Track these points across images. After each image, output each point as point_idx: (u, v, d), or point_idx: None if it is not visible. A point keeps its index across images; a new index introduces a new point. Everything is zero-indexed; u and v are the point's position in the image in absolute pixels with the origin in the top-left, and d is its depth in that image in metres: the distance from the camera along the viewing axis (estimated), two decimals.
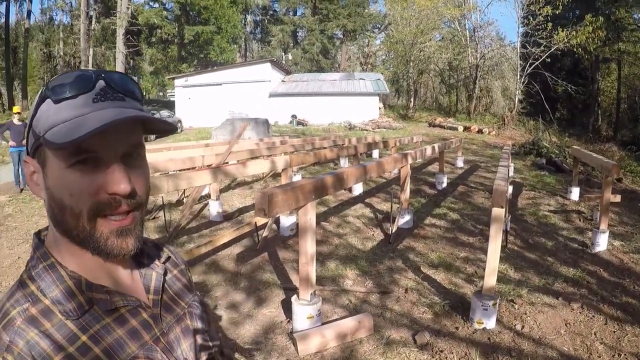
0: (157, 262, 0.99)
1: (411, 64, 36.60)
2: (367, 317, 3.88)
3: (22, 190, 10.37)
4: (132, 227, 0.81)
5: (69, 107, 0.75)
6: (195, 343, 0.96)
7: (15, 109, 11.53)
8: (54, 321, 0.75)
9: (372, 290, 4.70)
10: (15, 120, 10.85)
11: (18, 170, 10.67)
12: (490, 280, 3.91)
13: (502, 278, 4.85)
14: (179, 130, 27.14)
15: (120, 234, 0.80)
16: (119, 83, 0.80)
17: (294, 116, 29.61)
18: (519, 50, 31.63)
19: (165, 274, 0.99)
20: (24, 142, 0.86)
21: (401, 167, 6.66)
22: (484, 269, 4.16)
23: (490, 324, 3.90)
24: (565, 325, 4.01)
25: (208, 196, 7.93)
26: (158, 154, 8.52)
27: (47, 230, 0.88)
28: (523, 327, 3.96)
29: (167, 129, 0.85)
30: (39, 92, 0.79)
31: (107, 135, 0.74)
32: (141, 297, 0.89)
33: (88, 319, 0.78)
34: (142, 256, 0.96)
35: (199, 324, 1.00)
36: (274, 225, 6.55)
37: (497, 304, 3.96)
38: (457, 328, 3.95)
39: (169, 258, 1.06)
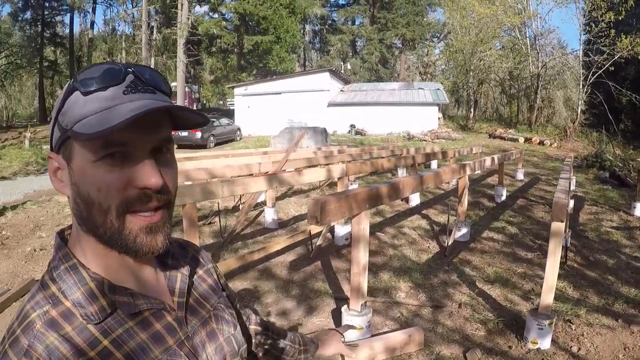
0: (182, 262, 0.97)
1: (471, 73, 35.96)
2: (417, 331, 3.78)
3: None
4: (161, 224, 0.79)
5: (99, 99, 0.72)
6: (222, 347, 0.94)
7: None
8: (75, 324, 0.74)
9: (425, 304, 4.58)
10: None
11: None
12: (547, 298, 3.74)
13: (559, 296, 4.63)
14: (238, 139, 27.55)
15: (150, 231, 0.78)
16: (149, 77, 0.78)
17: (352, 126, 29.56)
18: (581, 59, 30.55)
19: (191, 275, 0.97)
20: None
21: (459, 178, 6.52)
22: (541, 286, 3.96)
23: (545, 344, 3.71)
24: (624, 349, 3.76)
25: (264, 203, 7.97)
26: (216, 160, 8.62)
27: (70, 230, 0.86)
28: (579, 349, 3.74)
29: (198, 123, 0.82)
30: (66, 85, 0.77)
31: (137, 128, 0.72)
32: (166, 300, 0.87)
33: (110, 322, 0.76)
34: (167, 257, 0.95)
35: (224, 327, 0.97)
36: (329, 234, 6.51)
37: (554, 324, 3.77)
38: (510, 347, 3.78)
39: (194, 258, 1.05)
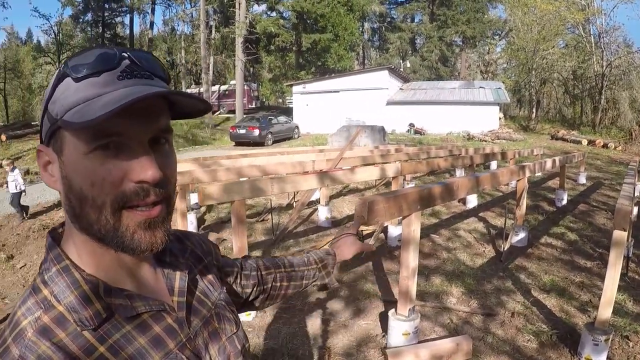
0: (180, 259, 0.92)
1: (533, 72, 34.80)
2: (466, 339, 3.64)
3: None
4: (160, 219, 0.74)
5: (91, 85, 0.67)
6: (225, 347, 0.90)
7: None
8: (69, 330, 0.68)
9: (476, 311, 4.43)
10: None
11: None
12: (604, 312, 3.52)
13: (618, 310, 4.37)
14: (295, 137, 27.73)
15: (148, 226, 0.73)
16: (145, 62, 0.73)
17: (411, 124, 29.25)
18: None
19: (190, 272, 0.91)
20: None
21: (518, 180, 6.29)
22: (599, 298, 3.75)
23: None
24: None
25: (318, 201, 7.93)
26: (270, 157, 8.66)
27: (63, 227, 0.81)
28: None
29: (199, 110, 0.76)
30: (56, 72, 0.72)
31: (132, 116, 0.67)
32: (165, 300, 0.82)
33: (107, 327, 0.71)
34: (165, 254, 0.89)
35: (226, 326, 0.92)
36: (382, 235, 6.42)
37: (610, 340, 3.55)
38: None
39: (193, 253, 0.98)
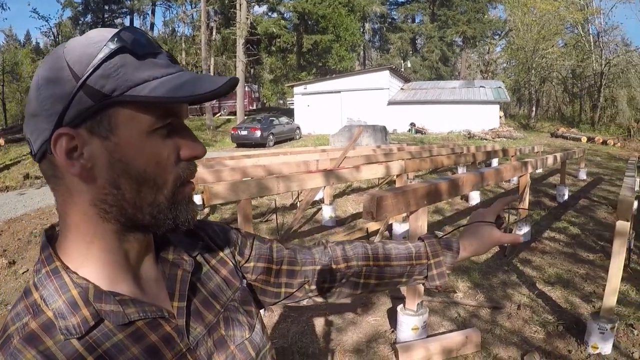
0: (185, 256, 0.83)
1: (533, 71, 34.96)
2: (475, 332, 3.67)
3: None
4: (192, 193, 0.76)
5: (155, 65, 0.67)
6: (234, 355, 0.81)
7: None
8: (57, 338, 0.64)
9: (483, 305, 4.45)
10: None
11: None
12: (609, 301, 3.55)
13: (622, 300, 4.40)
14: (297, 137, 27.74)
15: (190, 200, 0.75)
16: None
17: (412, 124, 29.26)
18: None
19: (197, 269, 0.84)
20: None
21: (520, 176, 6.31)
22: (603, 289, 3.79)
23: (606, 349, 3.54)
24: None
25: (322, 201, 7.95)
26: (273, 157, 8.67)
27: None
28: None
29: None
30: (99, 44, 0.65)
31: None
32: (164, 305, 0.75)
33: (96, 335, 0.66)
34: (167, 250, 0.83)
35: (236, 332, 0.84)
36: (387, 232, 6.43)
37: (615, 328, 3.59)
38: (569, 351, 3.64)
39: (207, 247, 0.90)
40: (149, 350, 0.69)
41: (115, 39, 0.65)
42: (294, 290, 1.03)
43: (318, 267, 1.05)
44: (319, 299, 1.08)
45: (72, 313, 0.65)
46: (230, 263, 0.92)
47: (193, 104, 0.70)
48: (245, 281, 0.94)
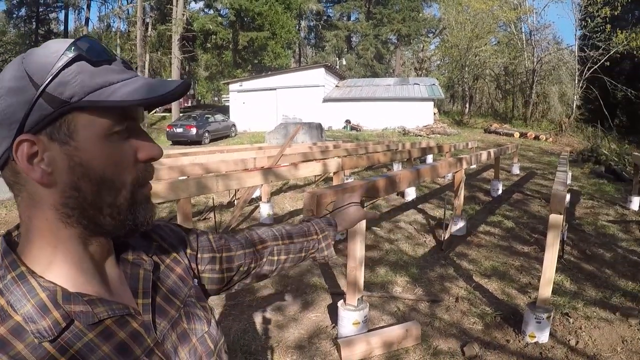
0: (144, 256, 0.87)
1: (466, 69, 35.71)
2: (415, 325, 3.74)
3: None
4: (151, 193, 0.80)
5: (109, 71, 0.70)
6: (196, 348, 0.86)
7: None
8: (27, 341, 0.64)
9: (422, 298, 4.54)
10: None
11: None
12: (545, 291, 3.70)
13: (557, 290, 4.61)
14: (233, 135, 27.52)
15: (149, 200, 0.79)
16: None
17: (347, 121, 29.49)
18: (576, 54, 30.60)
19: (155, 268, 0.87)
20: None
21: (455, 172, 6.47)
22: (538, 280, 3.94)
23: (543, 338, 3.68)
24: (622, 342, 3.74)
25: (259, 199, 7.92)
26: (211, 155, 8.58)
27: (18, 231, 0.77)
28: (577, 342, 3.72)
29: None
30: (56, 53, 0.67)
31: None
32: (129, 303, 0.78)
33: (67, 336, 0.67)
34: (127, 251, 0.86)
35: (197, 325, 0.88)
36: None
37: (551, 317, 3.74)
38: (507, 341, 3.75)
39: (160, 247, 0.94)
40: (119, 348, 0.71)
41: (72, 47, 0.68)
42: (234, 274, 1.11)
43: (247, 250, 1.15)
44: (247, 280, 1.18)
45: (42, 316, 0.66)
46: (183, 262, 0.97)
47: (148, 107, 0.75)
48: (196, 280, 0.99)
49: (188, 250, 1.00)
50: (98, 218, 0.72)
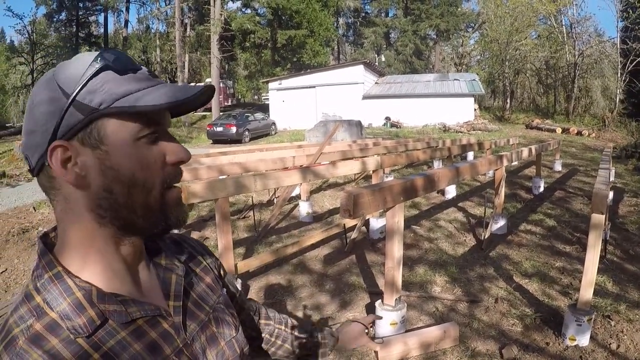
0: (176, 262, 0.92)
1: (507, 63, 35.09)
2: (453, 326, 3.71)
3: None
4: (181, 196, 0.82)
5: (135, 79, 0.74)
6: (224, 351, 0.91)
7: None
8: (62, 336, 0.68)
9: (461, 299, 4.49)
10: None
11: None
12: (586, 293, 3.61)
13: (598, 291, 4.48)
14: (272, 133, 27.68)
15: (180, 202, 0.81)
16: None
17: (387, 118, 29.37)
18: (619, 47, 29.77)
19: (186, 274, 0.92)
20: None
21: (496, 170, 6.38)
22: (580, 281, 3.83)
23: (584, 341, 3.59)
24: None
25: (299, 197, 7.95)
26: (250, 154, 8.66)
27: (55, 232, 0.81)
28: (618, 346, 3.61)
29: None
30: (84, 65, 0.72)
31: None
32: (161, 305, 0.82)
33: (101, 334, 0.71)
34: (160, 256, 0.90)
35: (225, 330, 0.93)
36: (364, 228, 6.45)
37: (592, 320, 3.64)
38: (547, 343, 3.68)
39: (191, 255, 0.99)
40: (149, 346, 0.75)
41: (99, 58, 0.72)
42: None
43: (251, 316, 1.23)
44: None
45: (78, 314, 0.70)
46: (213, 272, 1.02)
47: (175, 112, 0.81)
48: (225, 290, 1.05)
49: (221, 269, 1.08)
50: (131, 218, 0.76)
